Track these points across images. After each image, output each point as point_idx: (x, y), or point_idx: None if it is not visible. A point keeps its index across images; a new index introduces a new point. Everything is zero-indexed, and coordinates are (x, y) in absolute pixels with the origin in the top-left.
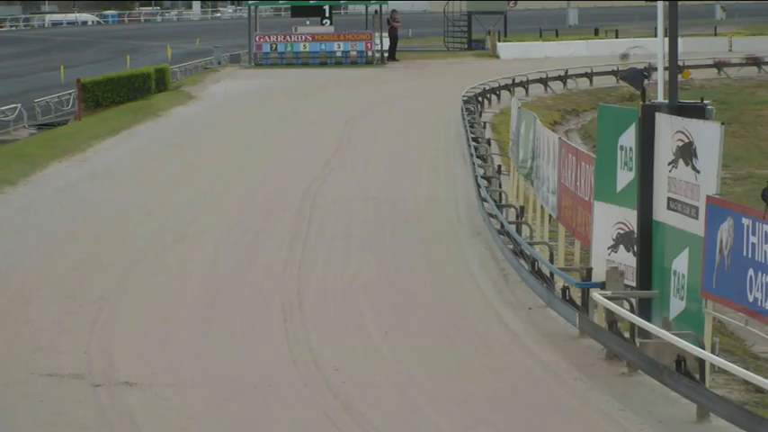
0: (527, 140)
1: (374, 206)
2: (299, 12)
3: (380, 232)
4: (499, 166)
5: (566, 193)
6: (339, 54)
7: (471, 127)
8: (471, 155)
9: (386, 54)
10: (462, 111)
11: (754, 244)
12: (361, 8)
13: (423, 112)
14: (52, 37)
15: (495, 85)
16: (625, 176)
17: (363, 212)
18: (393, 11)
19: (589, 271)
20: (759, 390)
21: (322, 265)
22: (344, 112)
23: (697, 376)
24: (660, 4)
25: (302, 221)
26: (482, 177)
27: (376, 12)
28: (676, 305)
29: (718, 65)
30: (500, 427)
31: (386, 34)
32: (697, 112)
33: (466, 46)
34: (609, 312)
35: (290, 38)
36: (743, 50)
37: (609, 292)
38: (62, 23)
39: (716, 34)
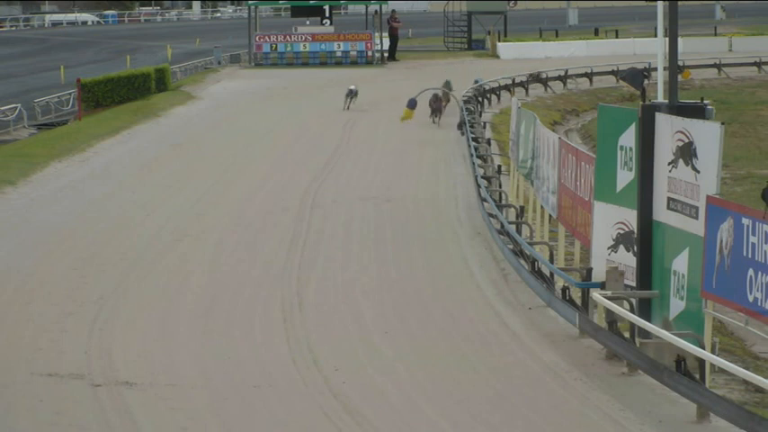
0: (527, 140)
1: (374, 206)
2: (299, 12)
3: (380, 232)
4: (499, 166)
5: (566, 193)
6: (339, 54)
7: (471, 127)
8: (471, 155)
9: (386, 54)
10: (462, 111)
11: (754, 244)
12: (361, 8)
13: (423, 112)
14: (52, 37)
15: (495, 85)
16: (625, 176)
17: (363, 212)
18: (393, 11)
19: (589, 271)
20: (759, 390)
21: (322, 265)
22: (345, 111)
23: (697, 376)
24: (660, 4)
25: (302, 221)
26: (482, 177)
27: (376, 12)
28: (676, 305)
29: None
30: (500, 427)
31: (386, 34)
32: (697, 112)
33: (466, 46)
34: (609, 312)
35: (290, 38)
36: (743, 50)
37: (609, 292)
38: (62, 23)
39: (716, 34)
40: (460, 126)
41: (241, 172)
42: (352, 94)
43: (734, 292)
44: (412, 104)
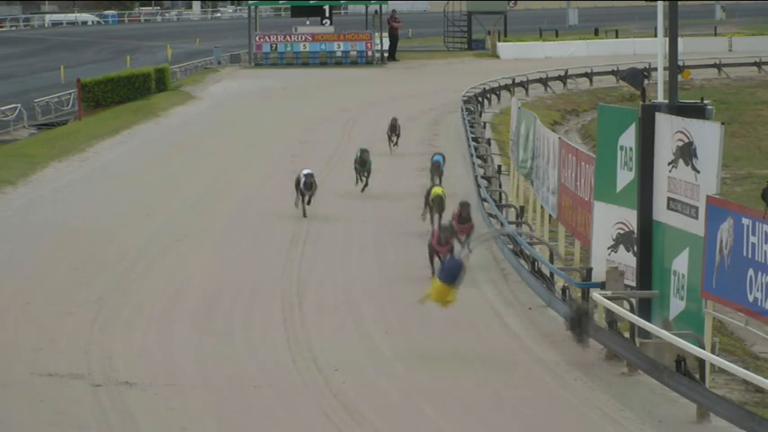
0: (527, 140)
1: (374, 206)
2: (299, 12)
3: (380, 232)
4: (499, 166)
5: (566, 193)
6: (339, 54)
7: (471, 127)
8: (471, 155)
9: (386, 54)
10: (462, 111)
11: (754, 244)
12: (361, 8)
13: (422, 112)
14: (52, 37)
15: (495, 85)
16: (625, 176)
17: (363, 212)
18: (393, 11)
19: (589, 271)
20: (759, 390)
21: (322, 265)
22: (344, 111)
23: (697, 376)
24: (660, 4)
25: (302, 221)
26: (482, 177)
27: (376, 12)
28: (676, 305)
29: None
30: (500, 427)
31: (386, 34)
32: (697, 112)
33: (466, 46)
34: (609, 312)
35: (290, 38)
36: (743, 50)
37: (609, 292)
38: (62, 23)
39: (716, 34)
40: (577, 327)
41: (241, 172)
42: (311, 187)
43: (734, 292)
44: (452, 275)
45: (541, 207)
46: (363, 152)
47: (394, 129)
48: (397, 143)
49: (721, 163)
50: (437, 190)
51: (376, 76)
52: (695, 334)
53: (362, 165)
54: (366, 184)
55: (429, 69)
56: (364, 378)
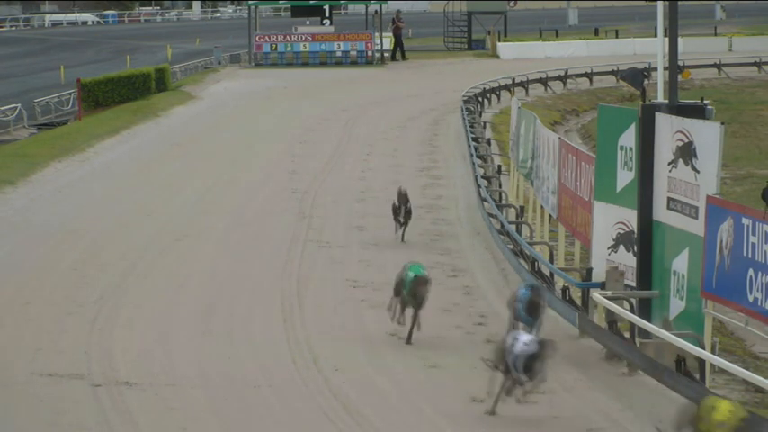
0: (527, 140)
1: (374, 206)
2: (299, 12)
3: (380, 232)
4: (499, 166)
5: (566, 193)
6: (339, 54)
7: (471, 127)
8: (471, 155)
9: (386, 54)
10: (462, 111)
11: (754, 244)
12: (361, 8)
13: (423, 112)
14: (52, 37)
15: (495, 85)
16: (625, 176)
17: (363, 212)
18: (398, 11)
19: (589, 271)
20: (759, 390)
21: (322, 265)
22: (344, 111)
23: (697, 376)
24: (660, 4)
25: (302, 221)
26: (482, 177)
27: (376, 12)
28: (676, 305)
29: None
30: (500, 427)
31: (386, 34)
32: (697, 112)
33: (466, 46)
34: (609, 312)
35: (290, 38)
36: (743, 50)
37: (609, 292)
38: (62, 23)
39: (716, 34)
40: None
41: (241, 172)
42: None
43: (734, 292)
44: None
45: (541, 207)
46: (418, 279)
47: (405, 204)
48: (406, 224)
49: (721, 163)
50: None
51: (376, 76)
52: (695, 334)
53: (414, 297)
54: (415, 323)
55: (429, 69)
56: (364, 378)
